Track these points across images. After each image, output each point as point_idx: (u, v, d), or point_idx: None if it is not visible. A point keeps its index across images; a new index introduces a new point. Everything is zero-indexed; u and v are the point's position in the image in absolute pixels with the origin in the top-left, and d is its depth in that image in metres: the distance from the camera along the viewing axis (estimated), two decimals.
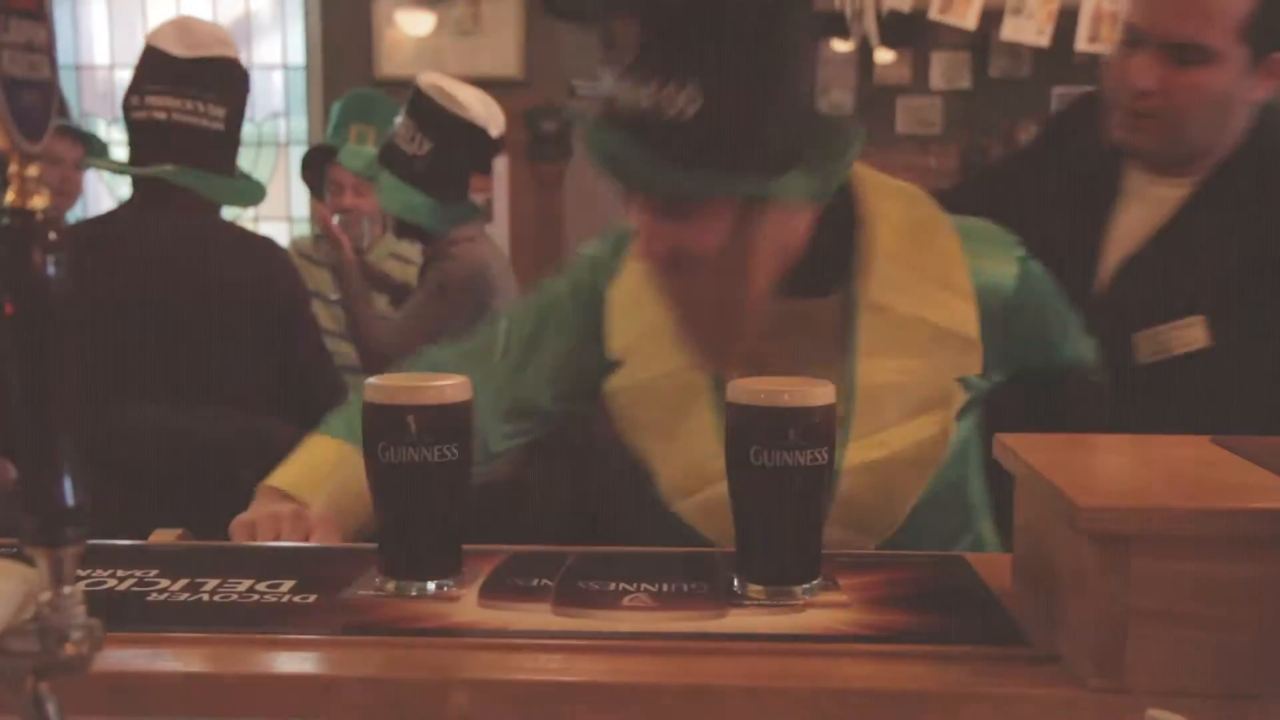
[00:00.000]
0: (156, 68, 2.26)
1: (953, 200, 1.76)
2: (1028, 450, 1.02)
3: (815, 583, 1.07)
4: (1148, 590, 0.86)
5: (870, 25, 5.15)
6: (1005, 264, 1.39)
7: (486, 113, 2.93)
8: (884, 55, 6.37)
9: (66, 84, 5.97)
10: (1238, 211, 1.63)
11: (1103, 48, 5.88)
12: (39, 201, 0.61)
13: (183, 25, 2.32)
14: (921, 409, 1.36)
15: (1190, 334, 1.58)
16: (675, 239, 1.28)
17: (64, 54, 5.91)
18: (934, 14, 5.21)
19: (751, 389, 1.05)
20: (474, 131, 2.90)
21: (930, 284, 1.37)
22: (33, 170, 0.61)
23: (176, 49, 2.25)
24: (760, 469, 1.04)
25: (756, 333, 1.34)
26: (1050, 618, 0.97)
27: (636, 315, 1.42)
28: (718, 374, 1.36)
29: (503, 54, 5.09)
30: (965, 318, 1.36)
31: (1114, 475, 0.94)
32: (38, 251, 0.62)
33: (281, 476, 1.40)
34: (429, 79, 2.91)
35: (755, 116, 1.21)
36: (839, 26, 5.77)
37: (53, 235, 0.62)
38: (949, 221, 1.39)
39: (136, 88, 2.26)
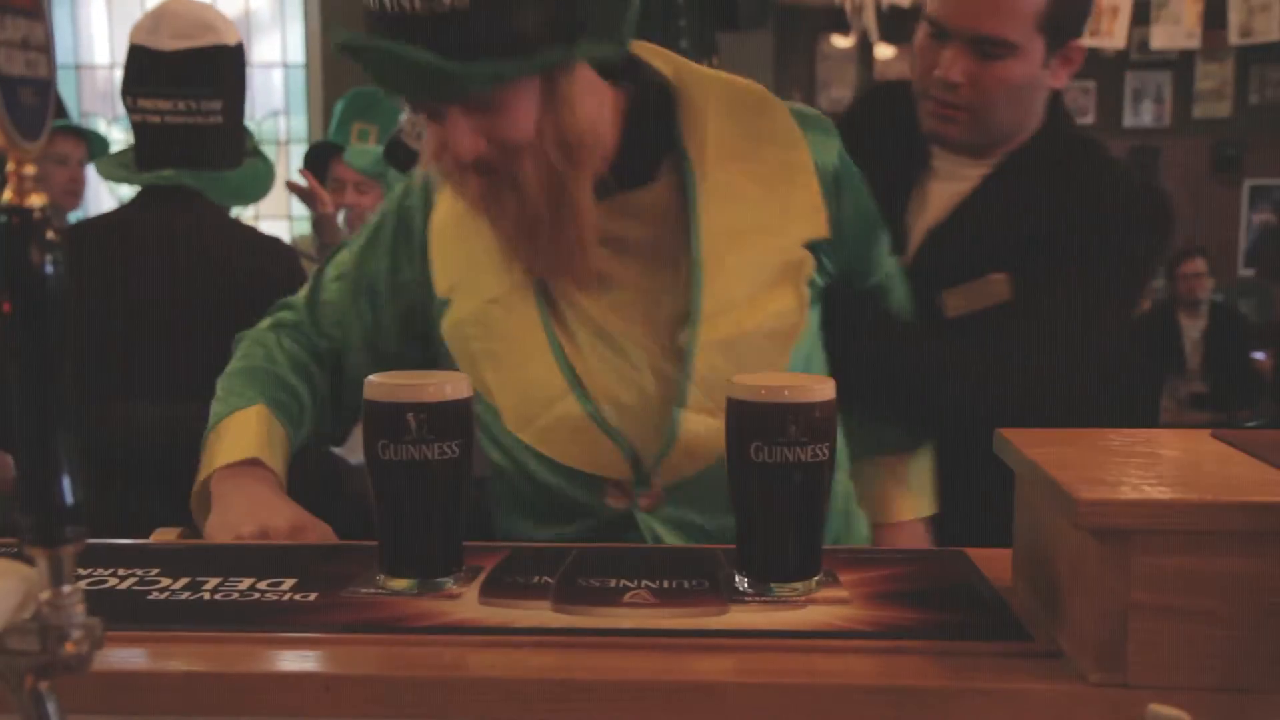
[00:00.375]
0: (142, 67, 2.14)
1: None
2: (1027, 444, 1.02)
3: (816, 578, 1.07)
4: (1148, 584, 0.86)
5: (870, 21, 5.15)
6: (831, 143, 1.42)
7: None
8: (884, 51, 6.37)
9: (66, 83, 5.97)
10: (1033, 187, 1.72)
11: (1103, 42, 5.90)
12: (37, 200, 0.61)
13: (161, 15, 2.16)
14: (774, 281, 1.34)
15: (993, 288, 1.66)
16: (486, 134, 1.23)
17: (64, 53, 5.92)
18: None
19: (751, 385, 1.05)
20: None
21: (767, 147, 1.36)
22: (30, 169, 0.61)
23: (160, 43, 2.12)
24: (760, 465, 1.03)
25: (593, 232, 1.30)
26: (1051, 612, 0.97)
27: (457, 248, 1.40)
28: (546, 292, 1.36)
29: None
30: (807, 180, 1.36)
31: (1113, 469, 0.94)
32: (36, 250, 0.62)
33: (239, 448, 1.38)
34: None
35: None
36: (839, 22, 5.78)
37: (50, 234, 0.62)
38: (776, 99, 1.40)
39: (127, 89, 2.16)
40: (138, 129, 2.17)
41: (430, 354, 1.46)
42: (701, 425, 1.30)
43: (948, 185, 1.78)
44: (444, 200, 1.42)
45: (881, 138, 1.81)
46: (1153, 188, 1.80)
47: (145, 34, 2.13)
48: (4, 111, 0.58)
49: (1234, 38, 5.91)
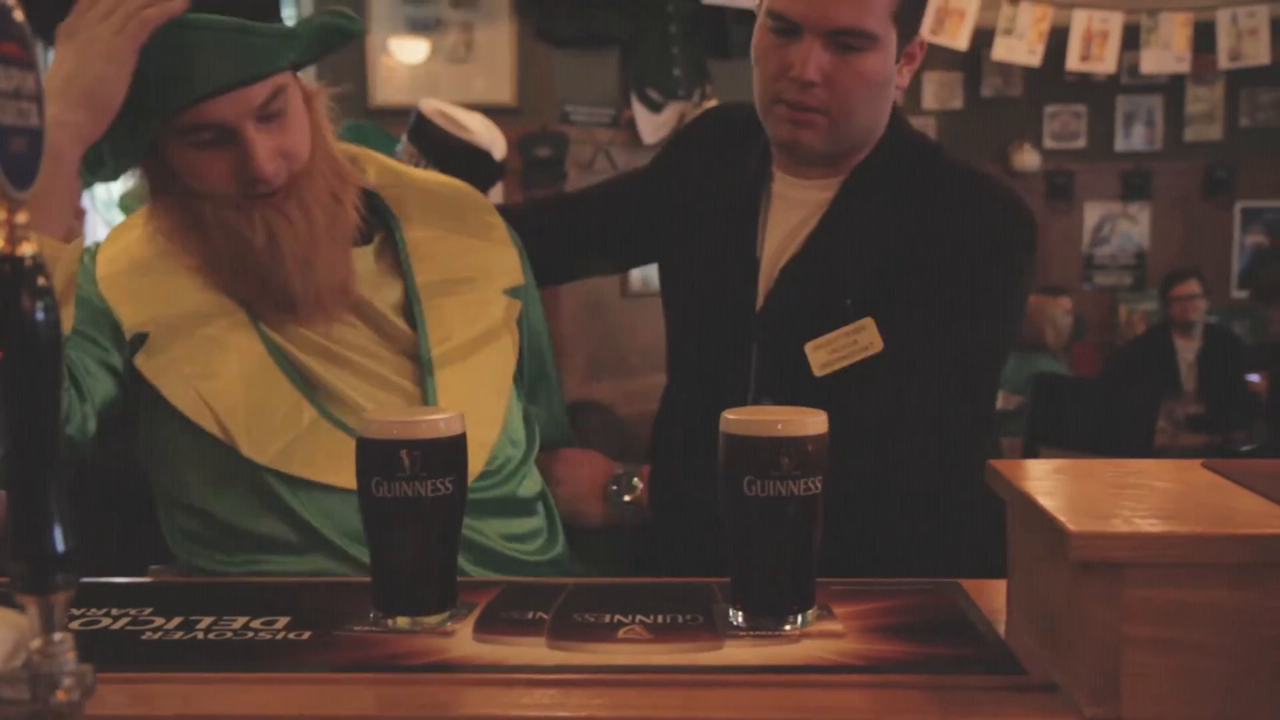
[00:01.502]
0: None
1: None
2: (1019, 476, 1.02)
3: (810, 612, 1.07)
4: (1141, 617, 0.86)
5: None
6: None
7: (489, 136, 2.94)
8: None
9: None
10: (882, 206, 1.57)
11: (1093, 67, 5.93)
12: (28, 248, 0.62)
13: None
14: (490, 322, 1.49)
15: (863, 338, 1.51)
16: (279, 151, 1.33)
17: None
18: (924, 35, 5.24)
19: (744, 419, 1.05)
20: (478, 155, 2.91)
21: (468, 212, 1.56)
22: (21, 217, 0.61)
23: None
24: (753, 499, 1.03)
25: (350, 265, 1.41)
26: (1046, 645, 0.97)
27: (145, 285, 1.38)
28: (260, 326, 1.38)
29: (496, 81, 5.11)
30: (503, 237, 1.56)
31: (1105, 501, 0.94)
32: (27, 297, 0.62)
33: None
34: (431, 104, 2.92)
35: None
36: None
37: (41, 281, 0.63)
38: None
39: None
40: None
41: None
42: None
43: (794, 213, 1.62)
44: (109, 249, 1.42)
45: (716, 165, 1.69)
46: (1007, 187, 1.63)
47: None
48: None
49: (1223, 62, 5.94)
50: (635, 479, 1.57)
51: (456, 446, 1.09)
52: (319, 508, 1.34)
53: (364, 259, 1.45)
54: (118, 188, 3.94)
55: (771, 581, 1.07)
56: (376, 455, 1.06)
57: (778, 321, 1.58)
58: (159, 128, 1.32)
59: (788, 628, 1.05)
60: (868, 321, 1.51)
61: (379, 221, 1.49)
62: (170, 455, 1.39)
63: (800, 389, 1.49)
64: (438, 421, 1.08)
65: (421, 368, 1.43)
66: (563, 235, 1.82)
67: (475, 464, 1.36)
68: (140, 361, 1.36)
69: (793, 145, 1.57)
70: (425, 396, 1.41)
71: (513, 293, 1.54)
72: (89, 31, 1.26)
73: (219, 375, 1.35)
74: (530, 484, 1.51)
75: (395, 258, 1.47)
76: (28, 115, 0.62)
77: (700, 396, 1.63)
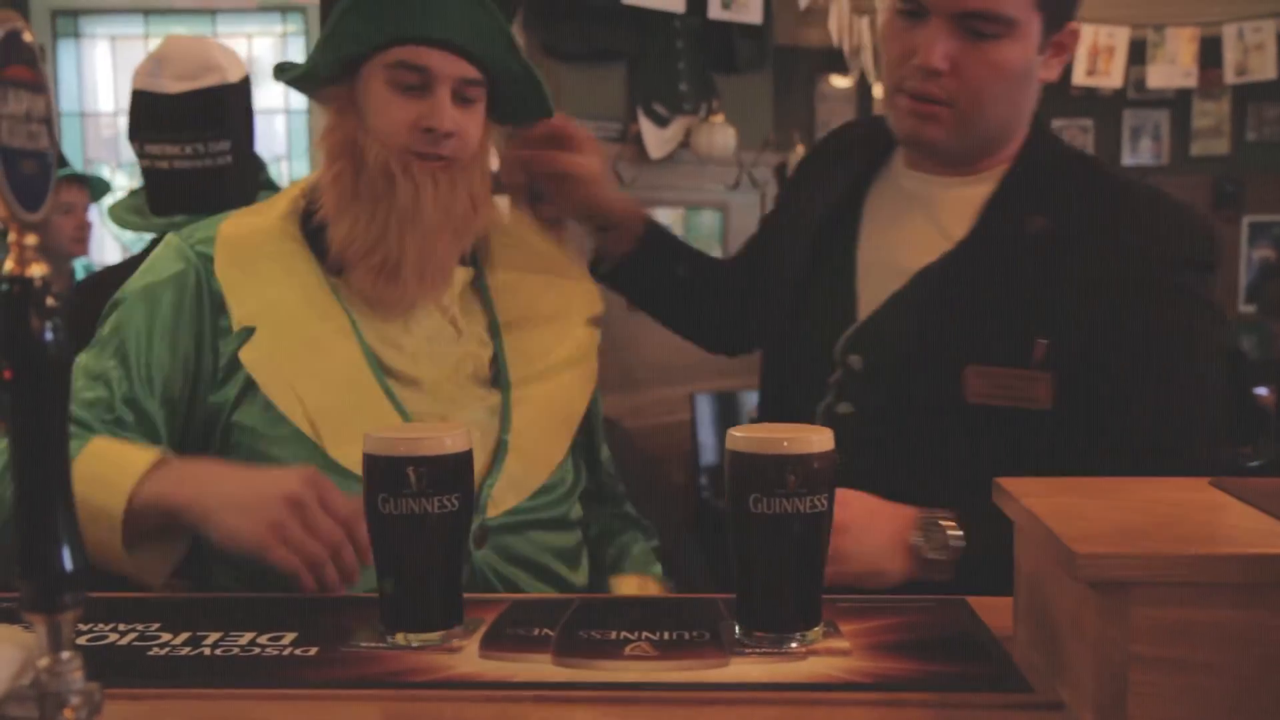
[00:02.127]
0: (146, 112, 2.09)
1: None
2: (1026, 495, 1.02)
3: (817, 629, 1.07)
4: (1148, 636, 0.86)
5: (868, 61, 5.19)
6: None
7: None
8: (882, 90, 6.42)
9: (71, 131, 6.00)
10: (1053, 214, 1.41)
11: (1100, 81, 5.94)
12: (37, 269, 0.62)
13: (162, 57, 2.09)
14: (569, 352, 1.52)
15: (1034, 389, 1.35)
16: (460, 127, 1.39)
17: (68, 101, 5.95)
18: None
19: (750, 436, 1.05)
20: None
21: (545, 261, 1.58)
22: (31, 239, 0.62)
23: (162, 86, 2.07)
24: (760, 517, 1.03)
25: (450, 272, 1.46)
26: (1052, 663, 0.97)
27: (258, 280, 1.41)
28: (363, 336, 1.41)
29: None
30: (584, 278, 1.60)
31: (1113, 520, 0.94)
32: (36, 318, 0.63)
33: (131, 462, 1.26)
34: None
35: None
36: (837, 63, 5.82)
37: (50, 301, 0.63)
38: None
39: (133, 134, 2.11)
40: (147, 174, 2.14)
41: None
42: (518, 463, 1.43)
43: (930, 213, 1.47)
44: (228, 244, 1.43)
45: (842, 166, 1.59)
46: (1182, 203, 1.44)
47: (147, 77, 2.09)
48: (6, 184, 0.59)
49: (1230, 76, 5.95)
50: (947, 525, 1.32)
51: (463, 463, 1.09)
52: None
53: (461, 278, 1.50)
54: (107, 199, 3.95)
55: (778, 598, 1.07)
56: (383, 472, 1.07)
57: (902, 327, 1.42)
58: (373, 52, 1.37)
59: (794, 645, 1.05)
60: (1045, 376, 1.35)
61: (473, 258, 1.52)
62: (249, 455, 1.36)
63: (948, 416, 1.38)
64: (444, 439, 1.08)
65: (500, 394, 1.46)
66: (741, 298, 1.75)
67: (535, 481, 1.44)
68: (244, 355, 1.37)
69: (915, 140, 1.44)
70: (503, 417, 1.45)
71: (594, 321, 1.58)
72: (270, 518, 1.18)
73: (317, 376, 1.38)
74: (576, 510, 1.53)
75: (480, 295, 1.52)
76: (38, 138, 0.63)
77: (787, 404, 1.57)
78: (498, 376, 1.48)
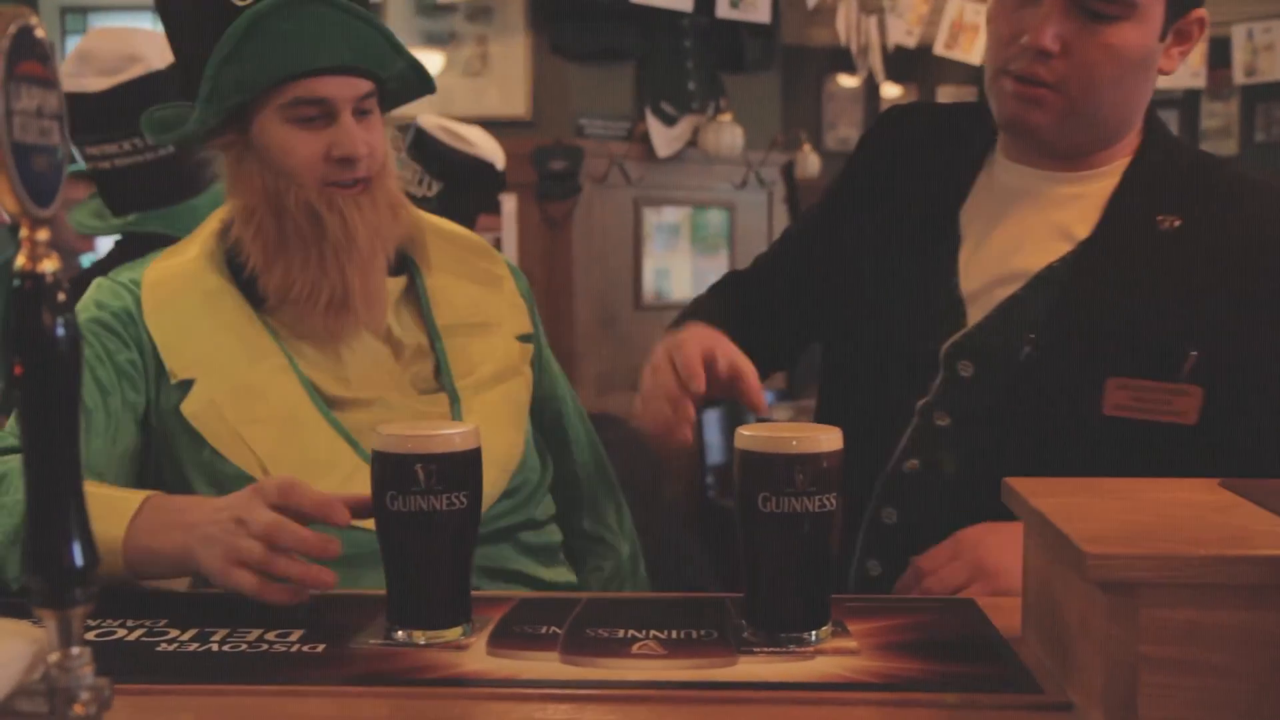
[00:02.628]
0: (77, 113, 1.95)
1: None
2: (1035, 495, 1.01)
3: (825, 629, 1.06)
4: (1157, 637, 0.85)
5: (876, 61, 5.18)
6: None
7: (490, 148, 2.96)
8: (891, 90, 6.40)
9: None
10: (1175, 225, 1.32)
11: None
12: (49, 264, 0.62)
13: (84, 54, 2.01)
14: (507, 362, 1.51)
15: (1181, 403, 1.27)
16: (367, 145, 1.37)
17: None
18: (939, 49, 5.24)
19: (759, 435, 1.05)
20: (482, 167, 2.92)
21: (477, 274, 1.55)
22: (43, 234, 0.62)
23: (86, 84, 1.99)
24: (768, 516, 1.03)
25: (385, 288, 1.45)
26: (1061, 664, 0.97)
27: (189, 329, 1.38)
28: (301, 371, 1.38)
29: (510, 94, 5.13)
30: (513, 298, 1.56)
31: (1123, 521, 0.94)
32: (47, 314, 0.63)
33: (119, 502, 1.20)
34: (431, 120, 2.93)
35: None
36: (845, 63, 5.81)
37: (61, 297, 0.63)
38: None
39: (73, 137, 1.96)
40: (94, 177, 2.08)
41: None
42: None
43: (1042, 210, 1.38)
44: (153, 291, 1.40)
45: (924, 158, 1.48)
46: None
47: (71, 78, 2.00)
48: (17, 179, 0.59)
49: (1239, 77, 5.94)
50: None
51: (471, 461, 1.09)
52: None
53: (394, 289, 1.48)
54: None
55: (786, 598, 1.07)
56: (392, 469, 1.07)
57: (1022, 333, 1.33)
58: (263, 95, 1.34)
59: (802, 644, 1.04)
60: (1195, 390, 1.27)
61: (400, 264, 1.50)
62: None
63: (1079, 423, 1.30)
64: (453, 436, 1.08)
65: (448, 398, 1.44)
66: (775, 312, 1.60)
67: (497, 487, 1.41)
68: (186, 409, 1.35)
69: (1017, 125, 1.35)
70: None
71: (524, 338, 1.56)
72: (225, 544, 1.11)
73: (259, 421, 1.36)
74: (546, 507, 1.53)
75: (416, 300, 1.50)
76: (49, 134, 0.63)
77: (863, 406, 1.44)
78: (441, 384, 1.46)
